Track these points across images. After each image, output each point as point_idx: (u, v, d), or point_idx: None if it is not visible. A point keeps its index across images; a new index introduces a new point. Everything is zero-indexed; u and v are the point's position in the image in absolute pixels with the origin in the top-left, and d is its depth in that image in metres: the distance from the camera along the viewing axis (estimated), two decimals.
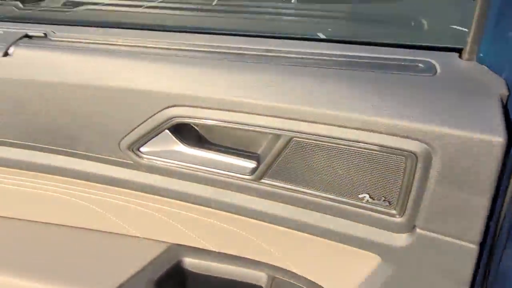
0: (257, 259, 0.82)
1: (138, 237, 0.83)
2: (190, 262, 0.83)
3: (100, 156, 0.77)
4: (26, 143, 0.80)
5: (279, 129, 0.63)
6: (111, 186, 0.79)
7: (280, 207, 0.72)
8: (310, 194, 0.68)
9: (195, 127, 0.74)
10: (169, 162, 0.74)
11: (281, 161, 0.67)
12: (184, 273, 0.83)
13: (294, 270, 0.79)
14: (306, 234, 0.72)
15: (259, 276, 0.83)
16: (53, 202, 0.83)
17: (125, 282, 0.74)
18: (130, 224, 0.83)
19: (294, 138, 0.63)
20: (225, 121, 0.66)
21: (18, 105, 0.75)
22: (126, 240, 0.83)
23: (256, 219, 0.75)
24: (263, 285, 0.84)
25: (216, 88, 0.65)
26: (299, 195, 0.69)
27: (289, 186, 0.69)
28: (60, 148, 0.79)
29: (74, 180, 0.80)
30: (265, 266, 0.82)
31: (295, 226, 0.72)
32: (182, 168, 0.74)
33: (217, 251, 0.83)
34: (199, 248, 0.82)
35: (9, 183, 0.85)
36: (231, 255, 0.83)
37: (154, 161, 0.75)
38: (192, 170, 0.73)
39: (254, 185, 0.71)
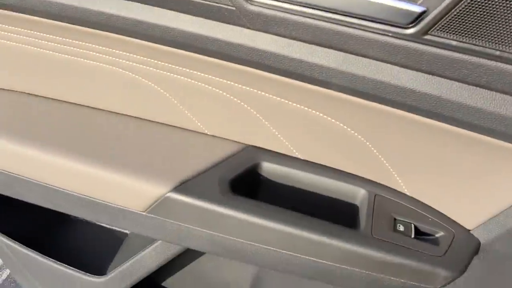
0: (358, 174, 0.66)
1: (208, 134, 0.71)
2: (269, 168, 0.68)
3: None
4: None
5: None
6: (197, 53, 0.59)
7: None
8: None
9: None
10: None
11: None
12: (260, 179, 0.70)
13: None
14: None
15: (355, 192, 0.65)
16: (108, 78, 0.69)
17: (196, 176, 0.64)
18: (199, 117, 0.69)
19: None
20: None
21: None
22: (196, 137, 0.71)
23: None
24: (358, 204, 0.67)
25: None
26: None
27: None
28: None
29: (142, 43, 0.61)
30: (364, 180, 0.66)
31: None
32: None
33: (303, 159, 0.68)
34: (281, 153, 0.68)
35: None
36: (320, 164, 0.67)
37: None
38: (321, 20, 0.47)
39: (414, 44, 0.45)
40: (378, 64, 0.49)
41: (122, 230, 0.96)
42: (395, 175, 0.63)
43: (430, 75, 0.48)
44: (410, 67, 0.48)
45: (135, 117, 0.74)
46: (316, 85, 0.55)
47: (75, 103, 0.75)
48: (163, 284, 0.97)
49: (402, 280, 0.58)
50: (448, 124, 0.52)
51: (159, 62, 0.64)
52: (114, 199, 0.66)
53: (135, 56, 0.64)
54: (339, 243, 0.58)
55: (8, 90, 0.77)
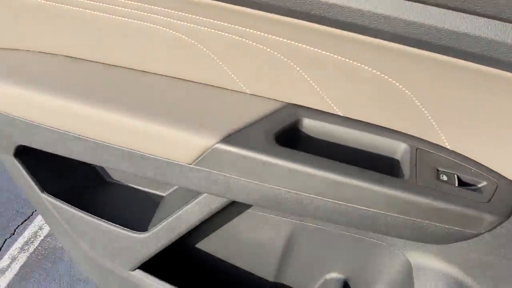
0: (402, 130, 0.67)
1: (249, 93, 0.73)
2: (310, 124, 0.70)
3: None
4: None
5: None
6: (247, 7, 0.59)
7: None
8: None
9: None
10: None
11: None
12: (301, 136, 0.72)
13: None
14: None
15: (396, 146, 0.67)
16: (146, 36, 0.70)
17: (241, 128, 0.67)
18: (239, 74, 0.71)
19: None
20: None
21: None
22: (238, 95, 0.73)
23: None
24: (398, 158, 0.68)
25: None
26: None
27: None
28: None
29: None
30: (404, 135, 0.67)
31: None
32: None
33: (343, 115, 0.70)
34: (321, 111, 0.70)
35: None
36: (361, 121, 0.69)
37: None
38: None
39: None
40: (432, 9, 0.50)
41: (158, 193, 0.99)
42: (437, 129, 0.64)
43: (485, 18, 0.48)
44: (466, 10, 0.48)
45: (175, 77, 0.75)
46: (366, 34, 0.56)
47: (116, 65, 0.77)
48: (197, 245, 1.00)
49: (447, 226, 0.60)
50: (496, 68, 0.53)
51: (198, 17, 0.64)
52: (161, 152, 0.68)
53: (173, 12, 0.65)
54: (385, 190, 0.59)
55: (53, 54, 0.79)
